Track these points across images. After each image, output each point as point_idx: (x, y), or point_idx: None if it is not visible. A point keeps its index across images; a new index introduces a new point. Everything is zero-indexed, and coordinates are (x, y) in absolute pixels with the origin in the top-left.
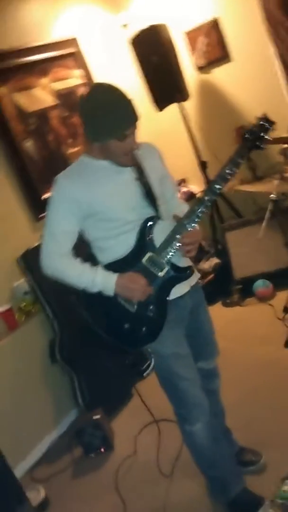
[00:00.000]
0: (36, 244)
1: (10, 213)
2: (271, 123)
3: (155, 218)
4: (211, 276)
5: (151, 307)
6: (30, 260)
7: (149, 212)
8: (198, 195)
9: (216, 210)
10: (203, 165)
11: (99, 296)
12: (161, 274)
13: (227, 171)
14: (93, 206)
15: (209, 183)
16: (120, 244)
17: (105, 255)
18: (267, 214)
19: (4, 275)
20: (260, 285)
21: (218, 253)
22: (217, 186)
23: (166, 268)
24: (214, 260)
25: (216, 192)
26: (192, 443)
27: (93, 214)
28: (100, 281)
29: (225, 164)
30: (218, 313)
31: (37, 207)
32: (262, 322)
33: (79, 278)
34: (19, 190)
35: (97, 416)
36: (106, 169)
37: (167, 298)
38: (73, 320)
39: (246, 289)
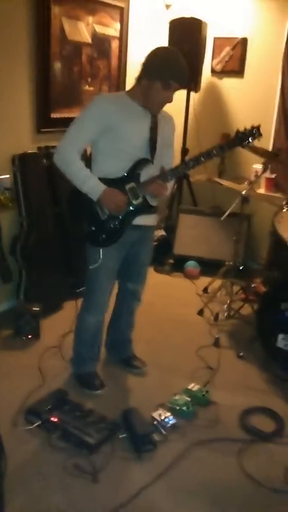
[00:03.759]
0: (34, 151)
1: (19, 115)
2: (260, 134)
3: (149, 161)
4: (154, 243)
5: (116, 222)
6: (25, 162)
7: (146, 155)
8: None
9: (179, 192)
10: (184, 151)
11: (84, 199)
12: (135, 202)
13: (214, 151)
14: (116, 124)
15: (197, 154)
16: (113, 166)
17: (98, 169)
18: (234, 205)
19: None
20: (191, 265)
21: (166, 228)
22: (202, 159)
23: (140, 199)
24: (161, 232)
25: (199, 161)
26: (81, 324)
27: (112, 130)
28: (91, 183)
29: (214, 146)
30: (149, 275)
31: (43, 121)
32: (184, 292)
33: (78, 174)
34: (34, 100)
35: (37, 308)
36: (136, 109)
37: (130, 223)
38: (45, 228)
39: (177, 265)
